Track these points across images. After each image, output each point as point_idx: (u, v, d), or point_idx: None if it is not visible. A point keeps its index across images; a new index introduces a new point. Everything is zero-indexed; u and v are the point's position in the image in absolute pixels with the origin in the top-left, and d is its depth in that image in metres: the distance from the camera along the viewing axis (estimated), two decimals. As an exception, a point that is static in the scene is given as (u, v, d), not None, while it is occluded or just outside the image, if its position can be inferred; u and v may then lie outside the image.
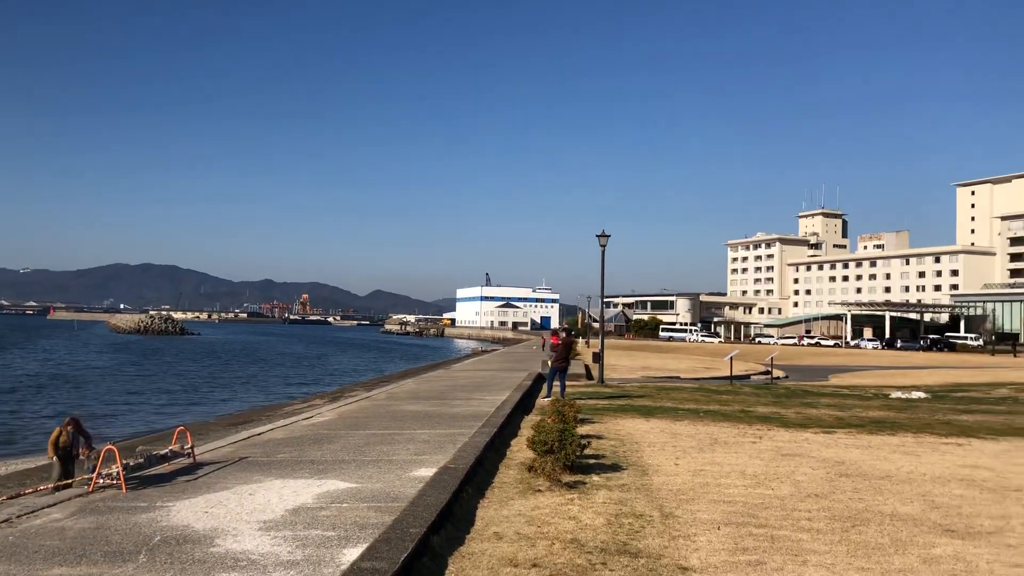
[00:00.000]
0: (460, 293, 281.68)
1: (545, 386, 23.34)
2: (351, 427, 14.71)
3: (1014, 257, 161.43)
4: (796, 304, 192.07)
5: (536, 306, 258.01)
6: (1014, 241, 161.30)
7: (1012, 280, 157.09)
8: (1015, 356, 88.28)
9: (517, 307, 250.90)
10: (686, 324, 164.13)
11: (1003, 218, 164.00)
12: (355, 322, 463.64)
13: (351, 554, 6.31)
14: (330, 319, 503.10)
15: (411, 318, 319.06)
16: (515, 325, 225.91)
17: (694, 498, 9.51)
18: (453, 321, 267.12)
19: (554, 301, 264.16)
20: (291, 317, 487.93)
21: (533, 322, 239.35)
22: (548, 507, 8.76)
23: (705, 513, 8.73)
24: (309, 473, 9.89)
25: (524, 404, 20.48)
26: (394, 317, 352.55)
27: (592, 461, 11.71)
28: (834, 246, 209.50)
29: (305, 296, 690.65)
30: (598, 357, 32.86)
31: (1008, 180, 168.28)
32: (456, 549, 7.07)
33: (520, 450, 12.63)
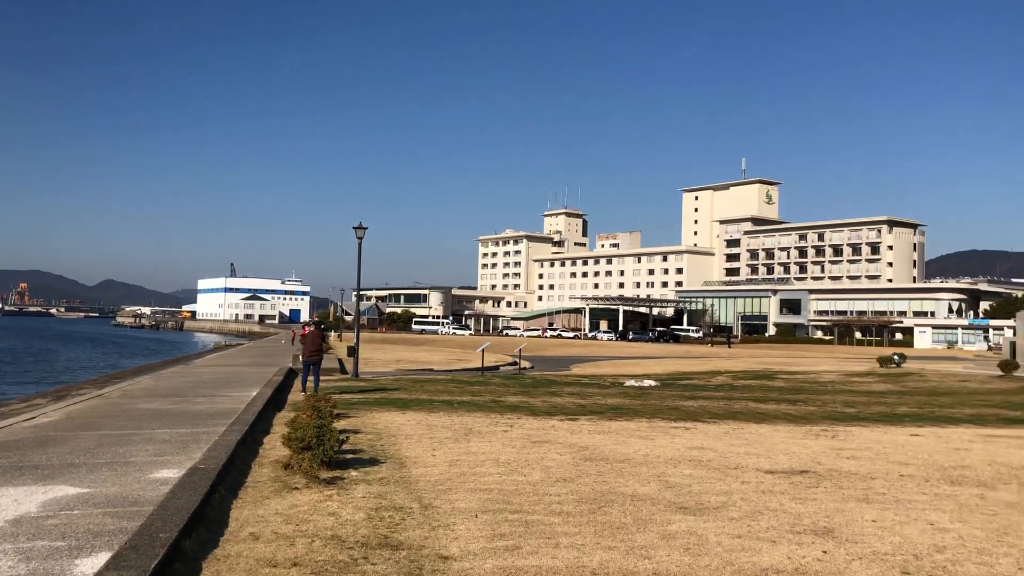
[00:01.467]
0: (202, 284, 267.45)
1: (298, 381, 22.74)
2: (81, 427, 13.52)
3: (730, 257, 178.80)
4: (541, 298, 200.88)
5: (285, 298, 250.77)
6: (730, 243, 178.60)
7: (728, 278, 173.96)
8: (728, 347, 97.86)
9: (265, 299, 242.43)
10: (439, 317, 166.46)
11: (721, 222, 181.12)
12: (82, 314, 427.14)
13: (86, 564, 5.80)
14: (53, 310, 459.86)
15: (147, 310, 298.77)
16: (262, 318, 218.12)
17: (452, 488, 9.69)
18: (194, 314, 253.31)
19: (304, 293, 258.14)
20: (5, 308, 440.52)
21: (282, 315, 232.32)
22: (306, 504, 8.56)
23: (463, 502, 8.92)
24: (32, 479, 8.97)
25: (276, 400, 19.85)
26: (127, 309, 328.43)
27: (350, 456, 11.59)
28: (576, 244, 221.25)
29: (23, 285, 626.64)
30: (353, 351, 32.53)
31: (726, 188, 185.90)
32: (211, 552, 6.73)
33: (274, 448, 12.24)
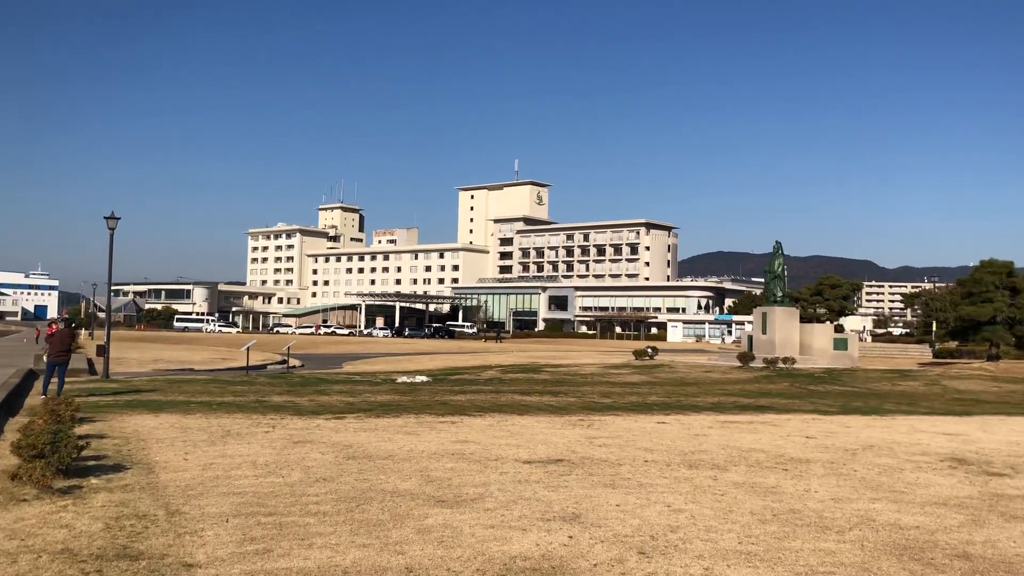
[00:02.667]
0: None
1: (39, 383, 20.87)
2: None
3: (503, 255, 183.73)
4: (315, 294, 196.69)
5: (30, 293, 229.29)
6: (503, 241, 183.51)
7: (501, 275, 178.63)
8: (498, 342, 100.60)
9: (6, 295, 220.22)
10: (203, 314, 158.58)
11: (496, 221, 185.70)
12: None
13: None
14: None
15: None
16: (2, 315, 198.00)
17: (203, 492, 9.27)
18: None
19: (52, 288, 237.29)
20: None
21: (26, 311, 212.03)
22: (35, 517, 7.86)
23: (214, 507, 8.56)
24: None
25: (10, 405, 18.07)
26: None
27: (92, 463, 10.77)
28: (352, 239, 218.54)
29: None
30: (103, 350, 30.29)
31: (501, 188, 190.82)
32: (-90, 578, 6.02)
33: (3, 457, 11.14)
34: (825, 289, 77.25)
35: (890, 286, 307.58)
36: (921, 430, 18.04)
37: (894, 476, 11.66)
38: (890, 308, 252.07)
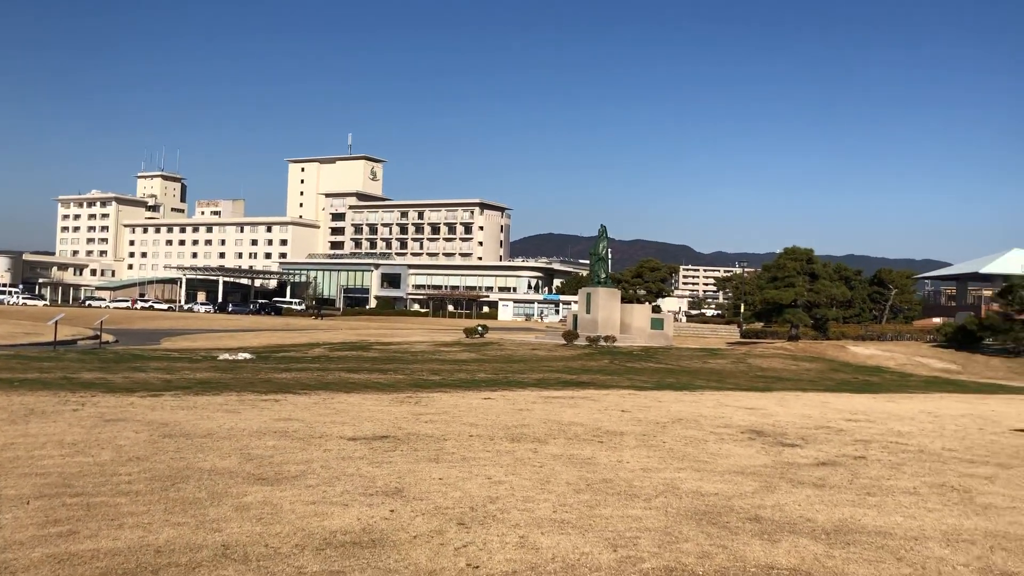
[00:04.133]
0: None
1: None
2: None
3: (335, 231, 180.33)
4: (132, 267, 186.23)
5: None
6: (335, 217, 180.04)
7: (332, 251, 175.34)
8: (320, 319, 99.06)
9: None
10: (6, 285, 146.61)
11: (327, 195, 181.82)
12: None
13: None
14: None
15: None
16: None
17: (1, 475, 8.72)
18: None
19: None
20: None
21: None
22: None
23: (13, 488, 8.09)
24: None
25: None
26: None
27: None
28: (173, 210, 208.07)
29: None
30: None
31: (333, 161, 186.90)
32: None
33: None
34: (645, 272, 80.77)
35: (704, 270, 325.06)
36: (726, 404, 19.35)
37: (699, 447, 12.49)
38: (704, 291, 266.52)
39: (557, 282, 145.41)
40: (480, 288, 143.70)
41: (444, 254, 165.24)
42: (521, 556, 6.55)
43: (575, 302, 68.26)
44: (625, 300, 53.52)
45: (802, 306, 51.03)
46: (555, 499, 8.59)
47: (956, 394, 25.83)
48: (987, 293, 73.86)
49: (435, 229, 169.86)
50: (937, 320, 61.14)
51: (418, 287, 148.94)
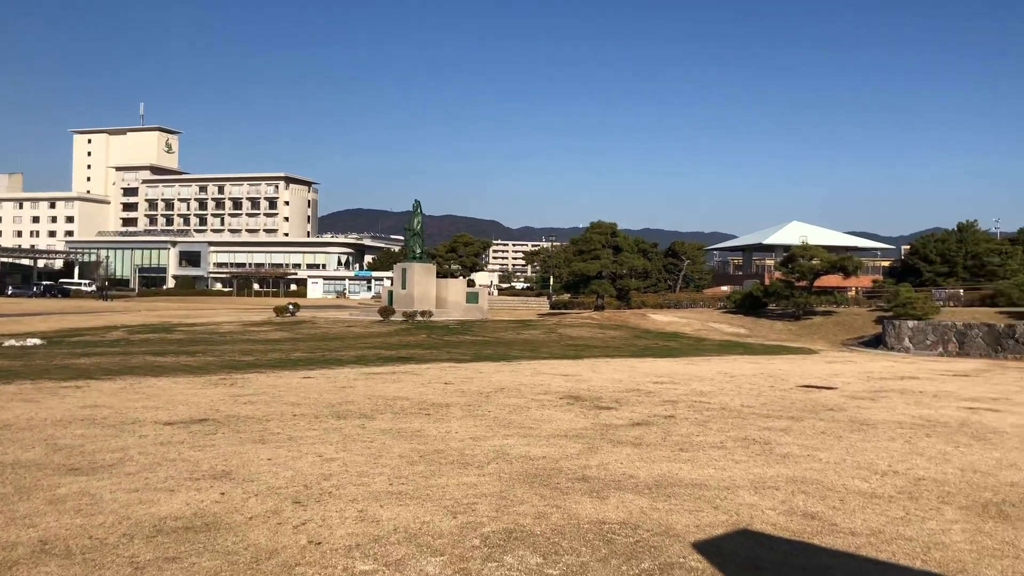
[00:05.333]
0: None
1: None
2: None
3: (127, 207, 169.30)
4: None
5: None
6: (127, 192, 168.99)
7: (125, 228, 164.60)
8: (106, 300, 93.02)
9: None
10: None
11: (118, 169, 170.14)
12: None
13: None
14: None
15: None
16: None
17: None
18: None
19: None
20: None
21: None
22: None
23: None
24: None
25: None
26: None
27: None
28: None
29: None
30: None
31: (124, 133, 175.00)
32: None
33: None
34: (459, 247, 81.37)
35: (514, 244, 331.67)
36: (543, 372, 20.00)
37: (523, 414, 12.88)
38: (513, 264, 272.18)
39: (368, 258, 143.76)
40: (287, 265, 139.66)
41: (248, 230, 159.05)
42: (363, 529, 6.56)
43: (388, 278, 67.88)
44: (440, 275, 53.80)
45: (607, 277, 53.26)
46: (390, 472, 8.62)
47: (747, 356, 27.93)
48: (770, 262, 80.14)
49: (237, 204, 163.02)
50: (726, 288, 65.67)
51: (220, 265, 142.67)
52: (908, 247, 68.84)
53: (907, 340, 33.23)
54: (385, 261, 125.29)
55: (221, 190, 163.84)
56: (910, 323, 33.51)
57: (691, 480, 8.48)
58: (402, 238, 67.22)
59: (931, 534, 6.74)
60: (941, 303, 39.65)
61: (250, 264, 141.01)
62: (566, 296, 65.71)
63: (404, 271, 47.23)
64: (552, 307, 63.42)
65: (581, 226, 59.54)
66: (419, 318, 41.25)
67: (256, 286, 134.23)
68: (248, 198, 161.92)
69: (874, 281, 61.81)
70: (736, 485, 8.29)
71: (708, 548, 6.27)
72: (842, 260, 44.11)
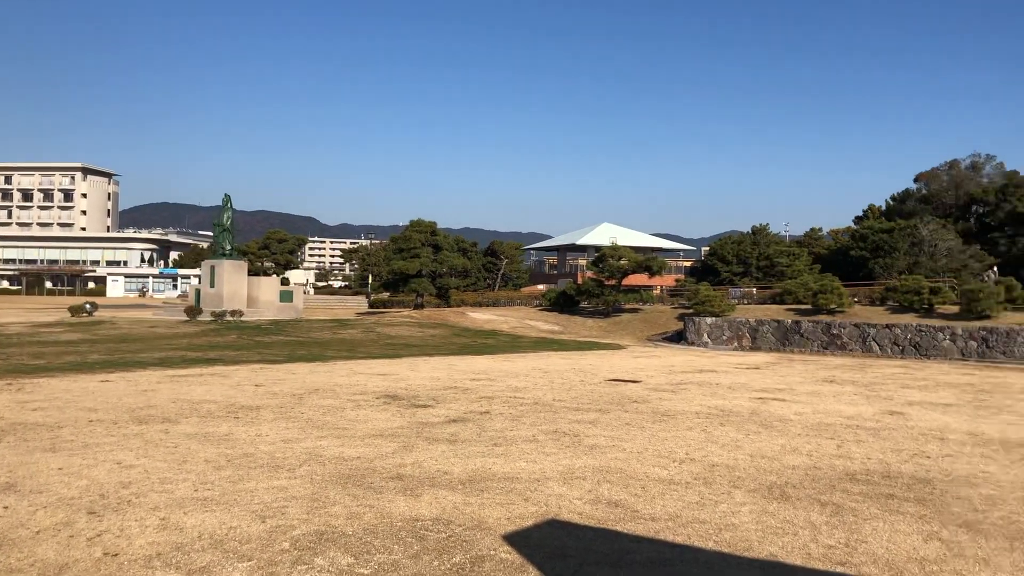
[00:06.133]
0: None
1: None
2: None
3: None
4: None
5: None
6: None
7: None
8: None
9: None
10: None
11: None
12: None
13: None
14: None
15: None
16: None
17: None
18: None
19: None
20: None
21: None
22: None
23: None
24: None
25: None
26: None
27: None
28: None
29: None
30: None
31: None
32: None
33: None
34: (272, 243, 78.94)
35: (331, 242, 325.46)
36: (359, 372, 19.78)
37: (338, 415, 12.71)
38: (331, 262, 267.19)
39: (174, 255, 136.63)
40: (85, 262, 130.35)
41: (39, 224, 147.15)
42: (165, 538, 6.28)
43: (196, 276, 64.90)
44: (252, 273, 52.01)
45: (427, 276, 53.35)
46: (195, 478, 8.28)
47: (561, 352, 28.81)
48: (583, 262, 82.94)
49: (27, 196, 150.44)
50: (542, 287, 67.42)
51: (7, 262, 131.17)
52: (708, 248, 73.21)
53: (706, 335, 35.37)
54: (193, 258, 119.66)
55: (8, 180, 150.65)
56: (708, 319, 35.69)
57: (504, 474, 8.67)
58: (211, 234, 64.42)
59: (722, 516, 7.23)
60: (736, 301, 42.46)
61: (42, 261, 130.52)
62: (385, 295, 65.31)
63: (213, 269, 45.30)
64: (371, 306, 62.84)
65: (401, 224, 59.35)
66: (229, 318, 39.72)
67: (49, 284, 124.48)
68: (40, 189, 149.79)
69: (677, 280, 65.38)
70: (546, 477, 8.56)
71: (518, 539, 6.44)
72: (648, 260, 46.33)
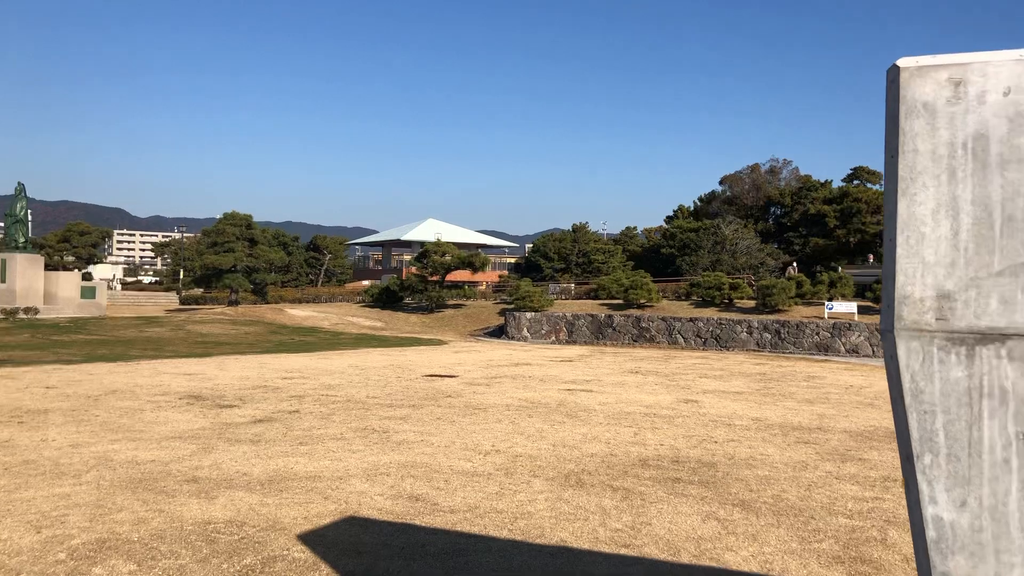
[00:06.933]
0: None
1: None
2: None
3: None
4: None
5: None
6: None
7: None
8: None
9: None
10: None
11: None
12: None
13: None
14: None
15: None
16: None
17: None
18: None
19: None
20: None
21: None
22: None
23: None
24: None
25: None
26: None
27: None
28: None
29: None
30: None
31: None
32: None
33: None
34: (74, 236, 73.82)
35: (141, 235, 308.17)
36: (164, 372, 18.89)
37: (135, 417, 12.09)
38: (141, 257, 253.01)
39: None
40: None
41: None
42: (-79, 556, 5.78)
43: (-15, 270, 59.66)
44: (50, 267, 48.49)
45: (242, 271, 51.52)
46: (-37, 489, 7.66)
47: (381, 348, 28.65)
48: (407, 257, 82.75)
49: None
50: (366, 282, 66.75)
51: None
52: (532, 245, 74.90)
53: (526, 330, 36.21)
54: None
55: None
56: (528, 315, 36.55)
57: (306, 473, 8.56)
58: (2, 225, 59.50)
59: (519, 505, 7.46)
60: (555, 296, 43.71)
61: None
62: (198, 291, 62.56)
63: (4, 263, 41.86)
64: (183, 302, 59.97)
65: (218, 217, 56.91)
66: (22, 315, 36.87)
67: None
68: None
69: (501, 276, 66.49)
70: (350, 474, 8.52)
71: (313, 538, 6.39)
72: (471, 256, 46.87)
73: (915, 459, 2.57)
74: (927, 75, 2.58)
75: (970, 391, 2.51)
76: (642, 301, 37.19)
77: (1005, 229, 2.49)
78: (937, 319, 2.55)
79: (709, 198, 74.54)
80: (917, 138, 2.57)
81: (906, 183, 2.58)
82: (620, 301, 38.78)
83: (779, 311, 33.98)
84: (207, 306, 52.64)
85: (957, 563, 2.53)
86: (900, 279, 2.58)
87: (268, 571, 5.65)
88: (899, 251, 2.58)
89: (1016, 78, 2.50)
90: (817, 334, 30.40)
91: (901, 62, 2.62)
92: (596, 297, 42.85)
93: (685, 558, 6.14)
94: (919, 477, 2.56)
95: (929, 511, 2.56)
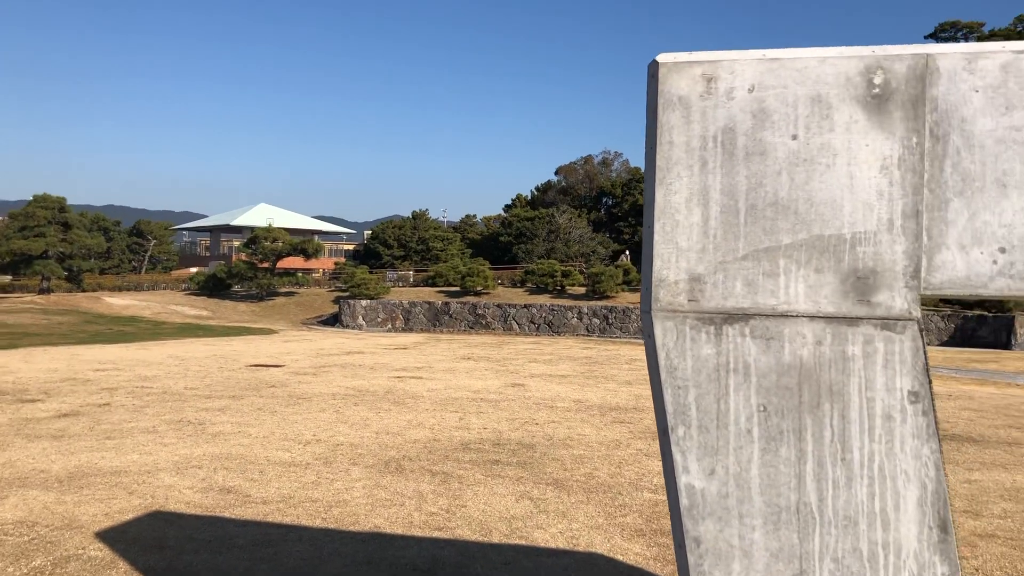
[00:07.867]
0: None
1: None
2: None
3: None
4: None
5: None
6: None
7: None
8: None
9: None
10: None
11: None
12: None
13: None
14: None
15: None
16: None
17: None
18: None
19: None
20: None
21: None
22: None
23: None
24: None
25: None
26: None
27: None
28: None
29: None
30: None
31: None
32: None
33: None
34: None
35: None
36: (-40, 367, 17.45)
37: (-80, 415, 11.11)
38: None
39: None
40: None
41: None
42: None
43: None
44: None
45: (55, 257, 48.21)
46: None
47: (205, 338, 27.57)
48: (237, 243, 79.88)
49: None
50: (193, 270, 63.97)
51: None
52: (371, 232, 73.97)
53: (361, 318, 35.80)
54: None
55: None
56: (364, 302, 36.15)
57: (111, 468, 8.15)
58: None
59: (336, 493, 7.40)
60: (392, 284, 43.44)
61: None
62: (6, 279, 58.08)
63: None
64: (-13, 291, 55.46)
65: (28, 199, 52.90)
66: None
67: None
68: None
69: (337, 263, 65.31)
70: (159, 468, 8.18)
71: (113, 535, 6.10)
72: (303, 243, 45.81)
73: (670, 432, 2.75)
74: (683, 71, 2.75)
75: (718, 367, 2.71)
76: (479, 288, 37.56)
77: (749, 217, 2.70)
78: (689, 300, 2.73)
79: (545, 188, 76.06)
80: (673, 130, 2.74)
81: (663, 173, 2.75)
82: (458, 288, 39.01)
83: (608, 297, 35.20)
84: (15, 294, 48.96)
85: (707, 527, 2.73)
86: (657, 263, 2.75)
87: (60, 572, 5.36)
88: (656, 237, 2.75)
89: (759, 76, 2.70)
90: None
91: (660, 57, 2.78)
92: (434, 284, 42.91)
93: (496, 538, 6.28)
94: (673, 448, 2.75)
95: (683, 480, 2.74)
